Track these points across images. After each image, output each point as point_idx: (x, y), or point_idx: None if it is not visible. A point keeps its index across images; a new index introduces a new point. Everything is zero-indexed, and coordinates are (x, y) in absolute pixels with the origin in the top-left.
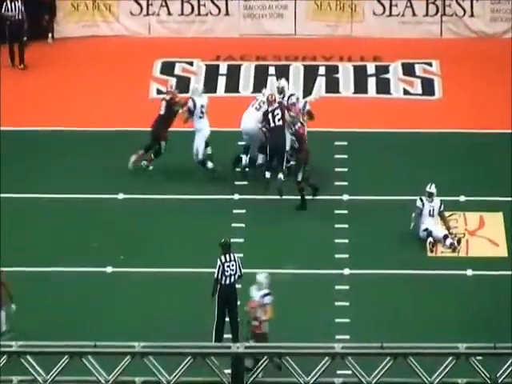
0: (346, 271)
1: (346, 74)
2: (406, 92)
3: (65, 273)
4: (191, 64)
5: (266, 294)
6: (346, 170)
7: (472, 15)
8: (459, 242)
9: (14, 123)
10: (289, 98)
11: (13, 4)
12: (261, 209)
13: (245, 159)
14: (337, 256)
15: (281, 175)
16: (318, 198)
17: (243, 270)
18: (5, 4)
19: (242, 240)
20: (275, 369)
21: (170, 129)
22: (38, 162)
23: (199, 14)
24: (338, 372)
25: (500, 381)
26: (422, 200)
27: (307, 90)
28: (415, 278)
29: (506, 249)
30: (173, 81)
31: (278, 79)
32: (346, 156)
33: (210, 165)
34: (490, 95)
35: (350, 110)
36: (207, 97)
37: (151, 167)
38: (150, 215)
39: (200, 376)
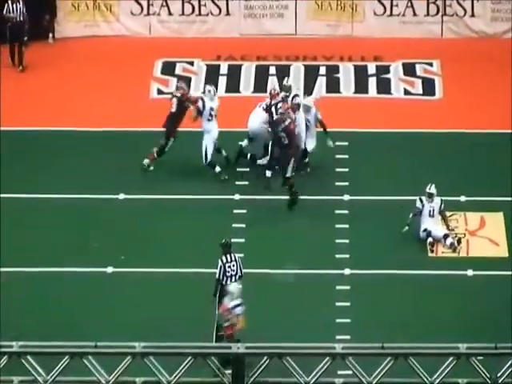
0: (347, 271)
1: (346, 74)
2: (406, 92)
3: (65, 273)
4: (192, 64)
5: (238, 305)
6: (346, 170)
7: (473, 15)
8: (459, 241)
9: (14, 123)
10: (293, 98)
11: (14, 5)
12: (261, 209)
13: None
14: (337, 256)
15: (268, 173)
16: (318, 198)
17: (244, 270)
18: (6, 5)
19: (242, 240)
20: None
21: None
22: (37, 162)
23: (200, 14)
24: (339, 372)
25: (501, 381)
26: (421, 200)
27: (308, 90)
28: (416, 278)
29: (507, 249)
30: (183, 80)
31: (285, 78)
32: (346, 156)
33: (217, 169)
34: (490, 95)
35: (351, 110)
36: (218, 99)
37: (152, 167)
38: (151, 215)
39: (200, 376)
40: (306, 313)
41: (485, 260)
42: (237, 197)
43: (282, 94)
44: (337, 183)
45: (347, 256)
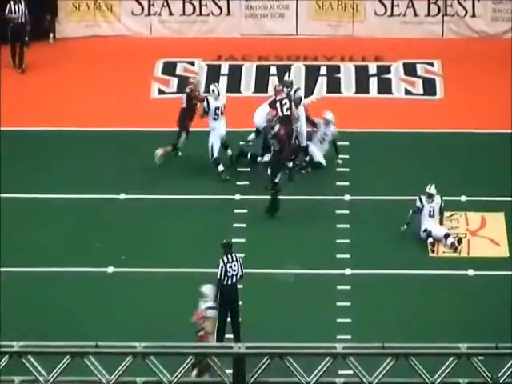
0: (348, 271)
1: (347, 74)
2: (407, 92)
3: (66, 273)
4: (193, 64)
5: (210, 308)
6: (347, 170)
7: (473, 15)
8: (460, 241)
9: (13, 123)
10: (295, 92)
11: (16, 6)
12: (262, 209)
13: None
14: (338, 256)
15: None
16: (319, 198)
17: (245, 270)
18: (8, 6)
19: (243, 240)
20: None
21: (171, 129)
22: (37, 162)
23: (201, 14)
24: (340, 372)
25: (502, 381)
26: (421, 200)
27: (309, 90)
28: (417, 278)
29: (508, 249)
30: (197, 76)
31: (286, 73)
32: (347, 156)
33: (220, 168)
34: (491, 95)
35: (352, 110)
36: (225, 97)
37: (159, 163)
38: (151, 215)
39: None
40: (307, 313)
41: (486, 260)
42: (237, 197)
43: (286, 91)
44: (337, 183)
45: (348, 256)
